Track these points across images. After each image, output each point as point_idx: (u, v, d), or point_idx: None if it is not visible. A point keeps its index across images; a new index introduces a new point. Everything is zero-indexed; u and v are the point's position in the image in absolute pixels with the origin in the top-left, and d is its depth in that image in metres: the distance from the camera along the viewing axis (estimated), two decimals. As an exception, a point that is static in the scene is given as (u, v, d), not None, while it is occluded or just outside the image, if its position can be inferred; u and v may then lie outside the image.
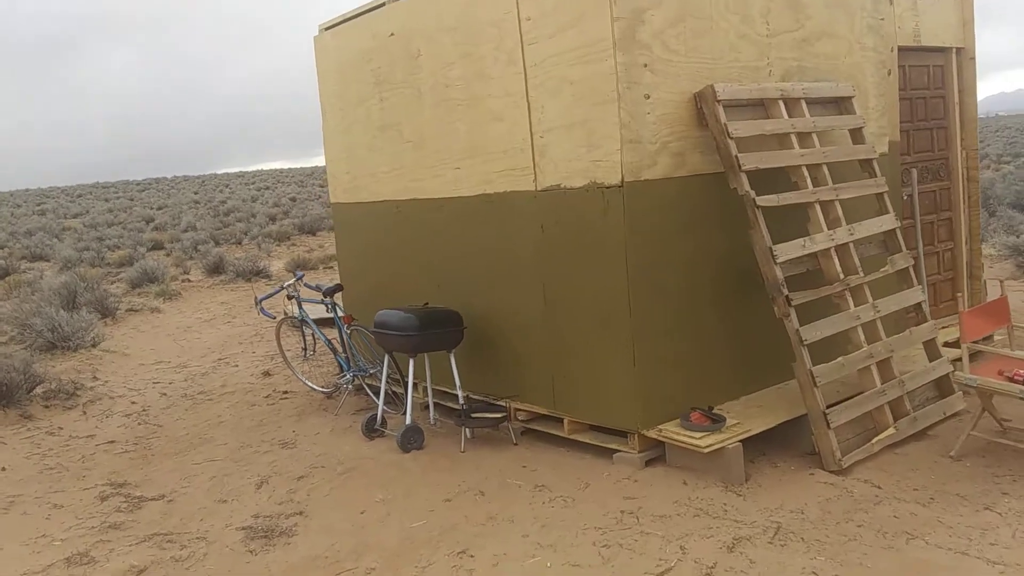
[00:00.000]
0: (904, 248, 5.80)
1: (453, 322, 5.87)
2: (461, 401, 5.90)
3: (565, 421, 5.50)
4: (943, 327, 6.63)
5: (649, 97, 4.91)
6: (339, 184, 7.39)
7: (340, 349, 7.06)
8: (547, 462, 5.33)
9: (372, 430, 6.02)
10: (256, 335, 10.42)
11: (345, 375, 6.88)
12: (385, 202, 6.77)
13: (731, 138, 5.04)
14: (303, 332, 7.49)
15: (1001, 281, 5.66)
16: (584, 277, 5.20)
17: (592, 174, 5.02)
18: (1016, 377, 4.84)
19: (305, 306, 7.28)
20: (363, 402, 7.01)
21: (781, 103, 5.41)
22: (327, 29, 7.18)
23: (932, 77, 7.02)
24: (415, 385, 6.45)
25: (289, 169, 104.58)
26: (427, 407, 6.28)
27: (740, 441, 4.86)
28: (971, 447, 5.02)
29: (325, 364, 8.30)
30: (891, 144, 6.41)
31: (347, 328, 6.79)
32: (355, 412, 6.81)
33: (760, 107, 5.40)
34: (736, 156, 5.02)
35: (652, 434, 5.04)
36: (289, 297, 7.22)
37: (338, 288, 6.89)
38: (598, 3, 4.77)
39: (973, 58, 7.17)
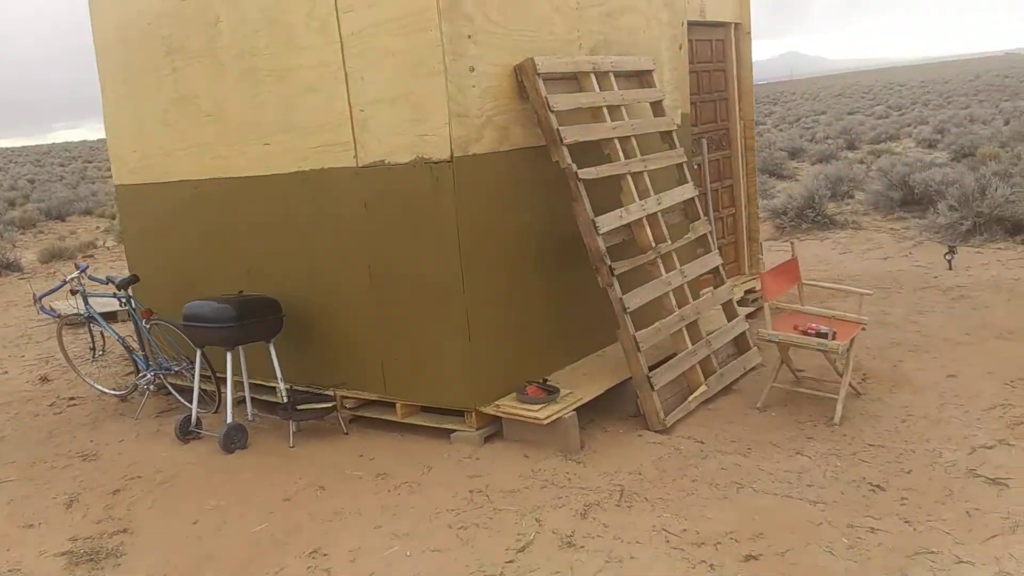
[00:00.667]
0: (702, 215, 6.17)
1: (272, 310, 5.55)
2: (284, 393, 5.61)
3: (398, 405, 5.38)
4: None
5: (474, 69, 4.85)
6: (124, 164, 6.73)
7: (137, 347, 6.48)
8: (384, 449, 5.20)
9: (187, 432, 5.59)
10: (23, 336, 9.35)
11: (144, 375, 6.33)
12: (182, 182, 6.25)
13: (552, 111, 5.11)
14: (90, 330, 6.80)
15: (792, 242, 6.16)
16: (413, 255, 5.08)
17: (419, 149, 4.90)
18: (809, 330, 5.30)
19: (90, 301, 6.61)
20: (165, 403, 6.49)
21: (593, 76, 5.54)
22: (103, -10, 6.48)
23: (715, 51, 7.48)
24: (224, 380, 6.08)
25: (21, 148, 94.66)
26: (242, 403, 5.91)
27: (574, 410, 4.99)
28: (774, 398, 5.46)
29: (111, 364, 7.61)
30: (683, 116, 6.77)
31: (146, 323, 6.23)
32: (158, 414, 6.30)
33: (573, 80, 5.50)
34: (557, 130, 5.09)
35: (490, 410, 5.05)
36: (73, 292, 6.50)
37: (133, 279, 6.29)
38: (421, -28, 4.63)
39: (749, 33, 7.72)
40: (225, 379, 5.45)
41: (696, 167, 7.16)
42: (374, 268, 5.30)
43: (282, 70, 5.46)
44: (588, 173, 5.16)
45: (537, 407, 4.93)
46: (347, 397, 5.64)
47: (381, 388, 5.47)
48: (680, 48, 6.75)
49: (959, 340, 6.36)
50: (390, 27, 4.86)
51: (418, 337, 5.20)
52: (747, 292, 7.38)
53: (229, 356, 5.44)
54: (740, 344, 6.11)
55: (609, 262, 5.10)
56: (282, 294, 5.63)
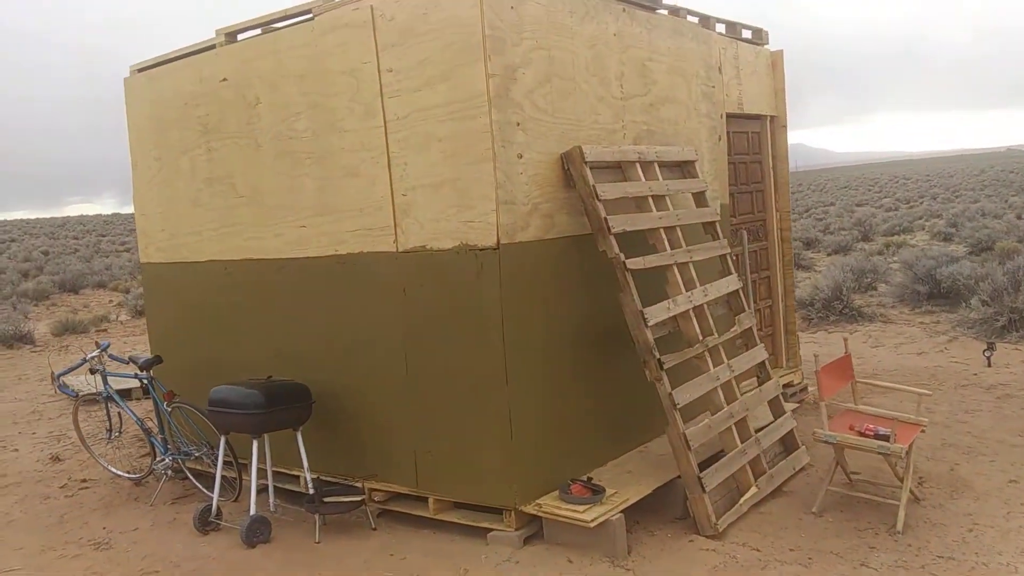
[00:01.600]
0: (747, 308, 5.99)
1: (301, 396, 5.33)
2: (310, 484, 5.35)
3: (430, 500, 5.10)
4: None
5: (522, 157, 4.74)
6: (152, 242, 6.61)
7: (155, 429, 6.24)
8: (416, 548, 4.90)
9: (207, 523, 5.30)
10: (34, 412, 9.11)
11: (162, 459, 6.07)
12: (212, 262, 6.11)
13: (600, 200, 4.98)
14: (107, 410, 6.57)
15: (845, 339, 5.95)
16: (453, 344, 4.89)
17: (464, 235, 4.75)
18: (867, 431, 5.06)
19: (109, 380, 6.40)
20: (181, 489, 6.23)
21: (638, 166, 5.44)
22: (141, 71, 6.45)
23: (751, 142, 7.42)
24: (246, 467, 5.83)
25: (36, 219, 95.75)
26: (264, 491, 5.63)
27: (621, 512, 4.72)
28: (829, 502, 5.17)
29: (125, 445, 7.35)
30: (722, 207, 6.65)
31: (167, 405, 6.01)
32: (174, 501, 6.03)
33: (617, 169, 5.39)
34: (605, 218, 4.96)
35: (531, 510, 4.77)
36: (92, 371, 6.30)
37: (156, 360, 6.10)
38: (471, 58, 4.56)
39: (785, 126, 7.67)
40: (247, 466, 5.19)
41: (735, 258, 7.01)
42: (411, 355, 5.10)
43: (321, 152, 5.36)
44: (635, 263, 5.00)
45: (583, 508, 4.65)
46: (376, 490, 5.37)
47: (413, 482, 5.21)
48: (719, 139, 6.68)
49: (1014, 443, 6.09)
50: (437, 113, 4.77)
51: (455, 430, 4.97)
52: (785, 386, 7.13)
53: (255, 444, 5.20)
54: (788, 443, 5.84)
55: (658, 355, 4.89)
56: (311, 380, 5.42)
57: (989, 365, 8.33)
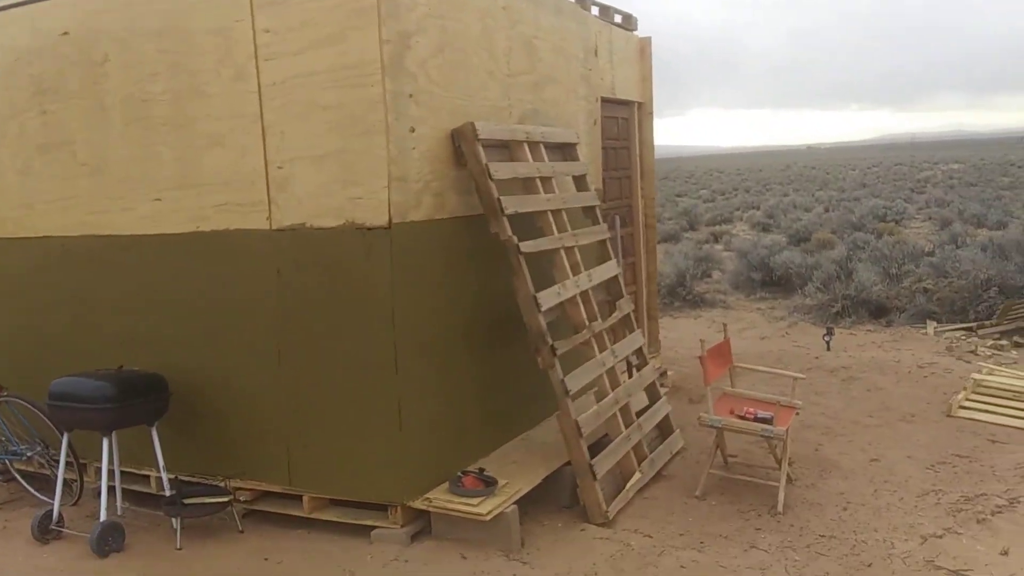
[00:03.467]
0: (625, 293, 5.97)
1: (157, 388, 4.81)
2: (167, 485, 4.84)
3: (305, 498, 4.74)
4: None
5: (414, 131, 4.45)
6: (-29, 215, 5.78)
7: (-25, 427, 5.48)
8: (292, 550, 4.54)
9: (47, 531, 4.69)
10: None
11: (-13, 460, 5.35)
12: (47, 238, 5.40)
13: (493, 180, 4.77)
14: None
15: (725, 324, 6.05)
16: (335, 330, 4.54)
17: (350, 213, 4.41)
18: (747, 415, 5.15)
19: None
20: (6, 493, 5.52)
21: (526, 145, 5.26)
22: (-40, 18, 5.60)
23: (620, 128, 7.42)
24: (86, 467, 5.24)
25: None
26: (109, 493, 5.05)
27: (515, 503, 4.55)
28: (710, 485, 5.22)
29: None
30: (597, 191, 6.60)
31: (-7, 400, 5.29)
32: (0, 505, 5.33)
33: (504, 149, 5.20)
34: (499, 199, 4.76)
35: (420, 505, 4.52)
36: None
37: (-21, 349, 5.35)
38: (364, 21, 4.22)
39: (651, 112, 7.73)
40: (87, 466, 4.61)
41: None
42: (284, 343, 4.70)
43: (182, 119, 4.83)
44: (528, 246, 4.83)
45: (476, 501, 4.45)
46: (242, 489, 4.94)
47: (285, 479, 4.82)
48: (595, 123, 6.62)
49: (866, 423, 6.42)
50: (321, 79, 4.38)
51: (335, 422, 4.62)
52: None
53: (105, 442, 4.64)
54: (664, 427, 5.88)
55: (551, 341, 4.75)
56: (168, 370, 4.90)
57: (829, 349, 8.80)
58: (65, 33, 5.11)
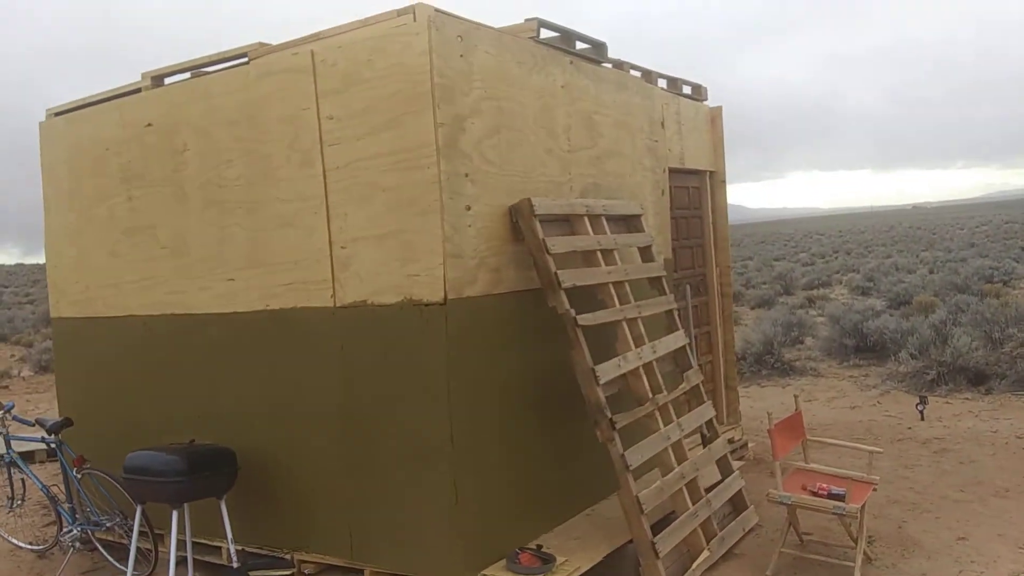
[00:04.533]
0: (694, 364, 5.88)
1: (226, 462, 4.95)
2: (234, 556, 4.95)
3: (366, 572, 4.76)
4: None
5: (470, 209, 4.55)
6: (65, 295, 6.15)
7: (63, 498, 5.74)
8: (353, 624, 4.56)
9: (120, 600, 4.86)
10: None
11: (70, 529, 5.58)
12: (131, 317, 5.71)
13: (550, 254, 4.81)
14: (10, 476, 6.03)
15: (796, 396, 5.87)
16: (395, 404, 4.60)
17: (407, 290, 4.51)
18: (820, 491, 4.94)
19: (12, 444, 5.90)
20: (89, 562, 5.74)
21: (586, 219, 5.30)
22: (58, 114, 6.07)
23: (691, 197, 7.39)
24: (161, 538, 5.40)
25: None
26: (181, 563, 5.19)
27: (573, 581, 4.47)
28: (782, 564, 5.03)
29: (28, 514, 6.78)
30: (666, 261, 6.57)
31: (77, 472, 5.53)
32: (82, 574, 5.55)
33: (566, 223, 5.24)
34: (556, 273, 4.78)
35: (477, 582, 4.48)
36: (-7, 434, 5.79)
37: (66, 423, 5.62)
38: (419, 107, 4.37)
39: (724, 181, 7.68)
40: (163, 536, 4.75)
41: (679, 313, 6.92)
42: (347, 417, 4.79)
43: (254, 202, 5.07)
44: (586, 319, 4.83)
45: (533, 579, 4.39)
46: (306, 562, 5.00)
47: (348, 553, 4.86)
48: (663, 193, 6.62)
49: (956, 498, 6.07)
50: (381, 162, 4.55)
51: (395, 495, 4.66)
52: (727, 443, 7.01)
53: (175, 514, 4.79)
54: (736, 502, 5.70)
55: (610, 415, 4.70)
56: (237, 444, 5.05)
57: (923, 419, 8.40)
58: (149, 124, 5.47)
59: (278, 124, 4.90)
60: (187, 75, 5.56)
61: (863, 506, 4.80)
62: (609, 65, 6.03)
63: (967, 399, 9.24)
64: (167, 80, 5.65)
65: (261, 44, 5.19)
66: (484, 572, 4.53)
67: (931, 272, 25.76)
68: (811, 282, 26.98)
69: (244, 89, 5.06)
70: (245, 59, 5.17)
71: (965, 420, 8.36)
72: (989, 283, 20.56)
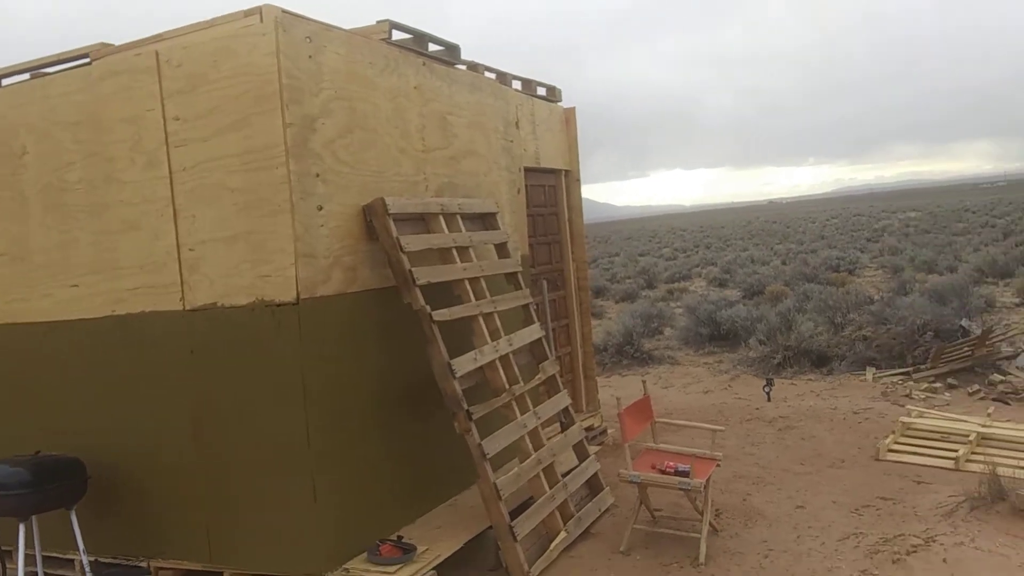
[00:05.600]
0: (551, 355, 6.10)
1: (75, 472, 4.82)
2: (87, 568, 4.83)
3: (225, 574, 4.74)
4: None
5: (322, 209, 4.59)
6: None
7: None
8: (214, 628, 4.53)
9: (-35, 622, 4.66)
10: None
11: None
12: (-35, 328, 5.46)
13: (404, 252, 4.91)
14: None
15: (643, 381, 6.17)
16: (249, 406, 4.60)
17: (260, 291, 4.51)
18: (667, 468, 5.24)
19: None
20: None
21: (441, 217, 5.43)
22: None
23: (548, 195, 7.63)
24: (9, 554, 5.20)
25: None
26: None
27: (434, 569, 4.59)
28: (635, 540, 5.30)
29: None
30: (523, 257, 6.77)
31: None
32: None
33: (421, 221, 5.36)
34: (410, 271, 4.89)
35: (338, 575, 4.54)
36: None
37: (-101, 441, 5.33)
38: (267, 107, 4.38)
39: (578, 179, 7.96)
40: (11, 553, 4.59)
41: (536, 307, 7.14)
42: (200, 421, 4.75)
43: (97, 205, 4.95)
44: (442, 315, 4.95)
45: (393, 568, 4.48)
46: (163, 568, 4.93)
47: (206, 556, 4.82)
48: (519, 192, 6.82)
49: (797, 471, 6.53)
50: (229, 163, 4.53)
51: (252, 497, 4.65)
52: (587, 429, 7.30)
53: (22, 528, 4.64)
54: (593, 485, 5.95)
55: (467, 406, 4.85)
56: (87, 453, 4.92)
57: (769, 400, 8.95)
58: (-17, 127, 5.24)
59: (121, 125, 4.81)
60: (26, 76, 5.37)
61: (707, 481, 5.13)
62: (463, 67, 6.18)
63: (810, 380, 9.90)
64: (4, 81, 5.44)
65: (104, 44, 5.08)
66: (346, 566, 4.59)
67: (783, 263, 27.23)
68: (672, 276, 28.03)
69: (86, 90, 4.94)
70: (87, 59, 5.05)
71: (807, 399, 8.96)
72: (836, 272, 21.92)
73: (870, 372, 9.83)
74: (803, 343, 10.44)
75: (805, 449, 7.09)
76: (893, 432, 7.09)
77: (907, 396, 8.71)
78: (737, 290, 20.66)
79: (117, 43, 5.10)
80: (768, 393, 9.04)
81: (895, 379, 9.47)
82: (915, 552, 4.86)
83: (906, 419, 7.26)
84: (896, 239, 34.95)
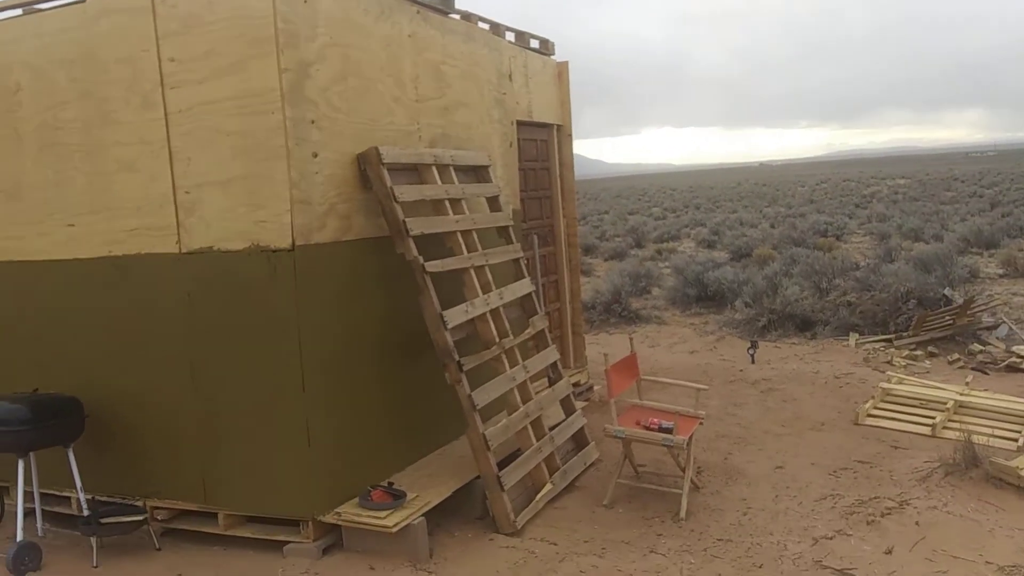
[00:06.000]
0: (540, 310, 6.16)
1: (72, 410, 4.87)
2: (84, 505, 4.91)
3: (220, 515, 4.83)
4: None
5: (317, 156, 4.60)
6: None
7: None
8: (206, 566, 4.62)
9: (-37, 553, 4.73)
10: None
11: (-102, 486, 5.35)
12: (-40, 265, 5.46)
13: (398, 202, 4.93)
14: None
15: (631, 338, 6.24)
16: (245, 350, 4.65)
17: (255, 236, 4.54)
18: (651, 425, 5.34)
19: None
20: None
21: (434, 169, 5.44)
22: None
23: (539, 150, 7.63)
24: (7, 490, 5.28)
25: None
26: (30, 515, 5.10)
27: (423, 516, 4.68)
28: (619, 494, 5.40)
29: None
30: (514, 212, 6.80)
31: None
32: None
33: (414, 172, 5.36)
34: (404, 221, 4.92)
35: (330, 519, 4.63)
36: None
37: None
38: (263, 51, 4.37)
39: (570, 135, 7.96)
40: (8, 489, 4.66)
41: (527, 262, 7.18)
42: (196, 364, 4.80)
43: (93, 145, 4.94)
44: (434, 266, 4.99)
45: (384, 514, 4.57)
46: (159, 508, 5.02)
47: (201, 497, 4.91)
48: (511, 146, 6.82)
49: (778, 432, 6.65)
50: (225, 107, 4.52)
51: (247, 440, 4.73)
52: (574, 385, 7.39)
53: (21, 464, 4.70)
54: (579, 439, 6.05)
55: (457, 357, 4.91)
56: (84, 392, 4.97)
57: (753, 362, 9.06)
58: (-23, 63, 5.19)
59: (117, 65, 4.78)
60: (18, 11, 5.30)
61: (690, 438, 5.23)
62: (457, 17, 6.14)
63: (794, 343, 10.01)
64: (-4, 16, 5.37)
65: (98, -19, 5.02)
66: (337, 510, 4.68)
67: (772, 227, 27.32)
68: (662, 235, 28.09)
69: (81, 27, 4.89)
70: (82, -3, 4.99)
71: (791, 363, 9.08)
72: (824, 237, 22.04)
73: (853, 338, 9.95)
74: (788, 307, 10.54)
75: (786, 411, 7.21)
76: (873, 397, 7.21)
77: (888, 363, 8.83)
78: (725, 252, 20.78)
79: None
80: (752, 355, 9.15)
81: (877, 345, 9.60)
82: (889, 514, 4.99)
83: (886, 385, 7.38)
84: (884, 206, 35.10)
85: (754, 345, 9.30)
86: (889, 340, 9.70)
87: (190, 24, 4.55)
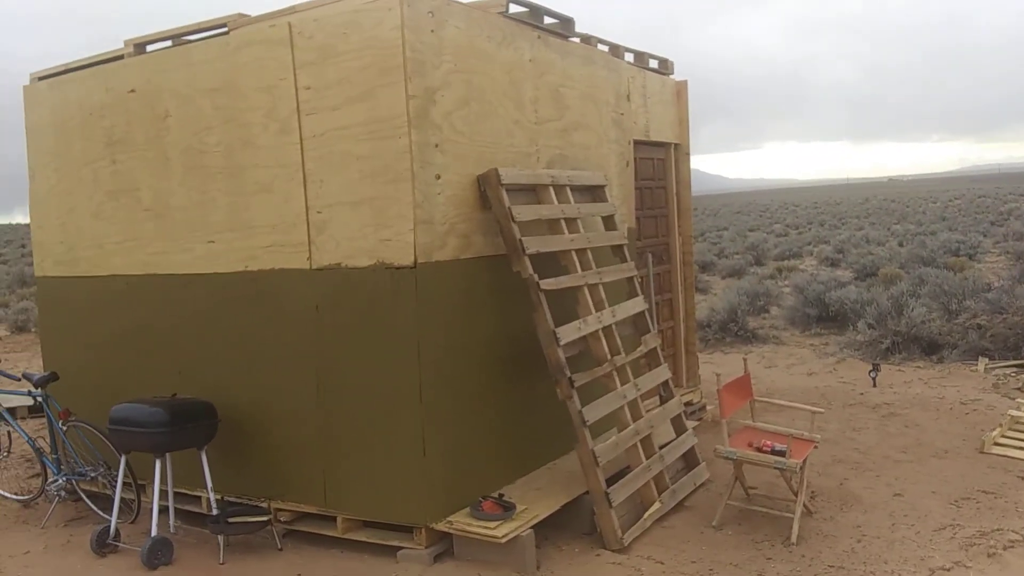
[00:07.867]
0: (653, 328, 6.20)
1: (207, 415, 5.23)
2: (214, 505, 5.25)
3: (339, 519, 5.08)
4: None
5: (440, 177, 4.81)
6: (50, 255, 6.36)
7: (49, 450, 6.00)
8: (324, 567, 4.87)
9: (104, 545, 5.12)
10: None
11: (55, 480, 5.84)
12: (113, 277, 5.93)
13: (515, 222, 5.09)
14: (-6, 429, 6.28)
15: (744, 359, 6.21)
16: (367, 361, 4.89)
17: (380, 254, 4.78)
18: (764, 447, 5.29)
19: (-1, 398, 6.14)
20: (73, 511, 5.99)
21: (551, 189, 5.57)
22: (42, 79, 6.24)
23: (656, 169, 7.67)
24: (144, 488, 5.68)
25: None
26: (163, 512, 5.47)
27: (531, 528, 4.80)
28: (728, 516, 5.38)
29: (13, 467, 7.03)
30: (629, 230, 6.86)
31: (63, 424, 5.79)
32: (66, 523, 5.81)
33: (531, 192, 5.51)
34: (520, 240, 5.07)
35: (442, 527, 4.80)
36: (-20, 389, 6.02)
37: (52, 377, 5.86)
38: (392, 79, 4.61)
39: (688, 153, 7.96)
40: (145, 487, 5.03)
41: (641, 280, 7.23)
42: (322, 373, 5.07)
43: (234, 168, 5.30)
44: (549, 284, 5.12)
45: (494, 524, 4.71)
46: (282, 510, 5.31)
47: (321, 501, 5.17)
48: (627, 165, 6.89)
49: (897, 458, 6.46)
50: (355, 132, 4.79)
51: (366, 447, 4.96)
52: (686, 404, 7.37)
53: (158, 464, 5.08)
54: (689, 459, 6.05)
55: (569, 374, 5.02)
56: (217, 398, 5.33)
57: (874, 385, 8.80)
58: (132, 90, 5.66)
59: (257, 93, 5.12)
60: (168, 43, 5.74)
61: (804, 462, 5.16)
62: (577, 40, 6.27)
63: (919, 367, 9.66)
64: (149, 48, 5.83)
65: (240, 15, 5.39)
66: (449, 519, 4.85)
67: (900, 245, 26.29)
68: (782, 253, 27.45)
69: (224, 58, 5.27)
70: (225, 29, 5.36)
71: (915, 387, 8.77)
72: (955, 256, 21.07)
73: (982, 363, 9.52)
74: (914, 329, 10.18)
75: (908, 437, 6.98)
76: (1000, 425, 6.90)
77: (1019, 389, 8.42)
78: (849, 271, 20.13)
79: (252, 14, 5.40)
80: (874, 378, 8.88)
81: (1008, 371, 9.15)
82: (1012, 547, 4.79)
83: (1015, 412, 7.05)
84: (1022, 224, 33.18)
85: (876, 368, 9.03)
86: (1021, 366, 9.23)
87: (326, 54, 4.84)
